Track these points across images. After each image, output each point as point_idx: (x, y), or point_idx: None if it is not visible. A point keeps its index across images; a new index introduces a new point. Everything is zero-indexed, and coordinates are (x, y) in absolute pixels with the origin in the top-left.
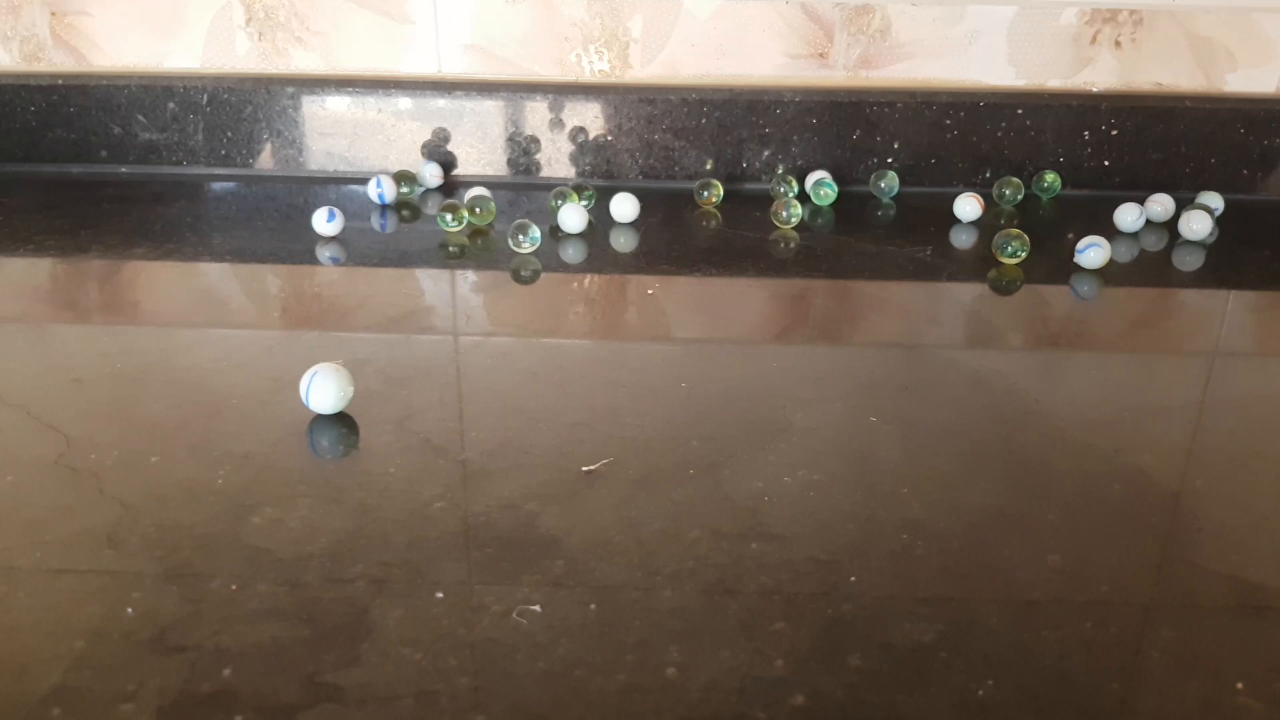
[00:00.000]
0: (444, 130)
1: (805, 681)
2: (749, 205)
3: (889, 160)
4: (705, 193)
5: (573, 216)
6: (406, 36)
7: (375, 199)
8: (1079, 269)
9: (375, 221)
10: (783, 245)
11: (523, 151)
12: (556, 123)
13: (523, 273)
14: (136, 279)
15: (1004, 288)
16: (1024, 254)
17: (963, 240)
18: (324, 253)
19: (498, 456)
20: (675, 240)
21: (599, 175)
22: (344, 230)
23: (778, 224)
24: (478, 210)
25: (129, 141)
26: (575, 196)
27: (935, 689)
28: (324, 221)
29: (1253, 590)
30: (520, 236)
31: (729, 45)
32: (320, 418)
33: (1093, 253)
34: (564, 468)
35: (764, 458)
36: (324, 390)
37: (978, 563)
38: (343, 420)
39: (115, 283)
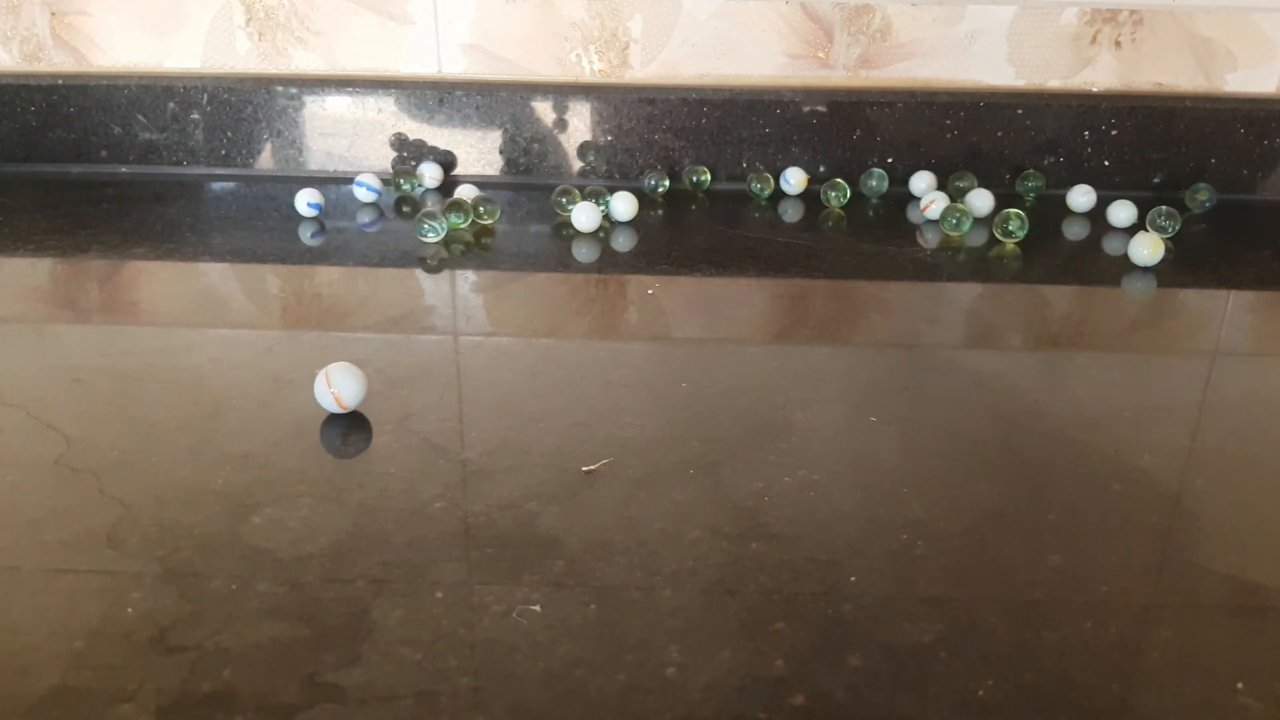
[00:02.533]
0: (444, 130)
1: (805, 681)
2: (749, 205)
3: (889, 160)
4: (656, 185)
5: (585, 215)
6: (406, 37)
7: (363, 199)
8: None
9: (361, 220)
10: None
11: (523, 151)
12: (556, 123)
13: (430, 262)
14: (136, 279)
15: (1004, 280)
16: (1023, 233)
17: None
18: (324, 253)
19: (498, 456)
20: (675, 240)
21: (599, 175)
22: (346, 230)
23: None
24: (481, 210)
25: (129, 141)
26: (592, 199)
27: (935, 689)
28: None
29: (1253, 590)
30: (424, 225)
31: (729, 45)
32: (319, 417)
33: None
34: (564, 468)
35: (764, 458)
36: (346, 387)
37: (978, 563)
38: (343, 420)
39: (115, 283)
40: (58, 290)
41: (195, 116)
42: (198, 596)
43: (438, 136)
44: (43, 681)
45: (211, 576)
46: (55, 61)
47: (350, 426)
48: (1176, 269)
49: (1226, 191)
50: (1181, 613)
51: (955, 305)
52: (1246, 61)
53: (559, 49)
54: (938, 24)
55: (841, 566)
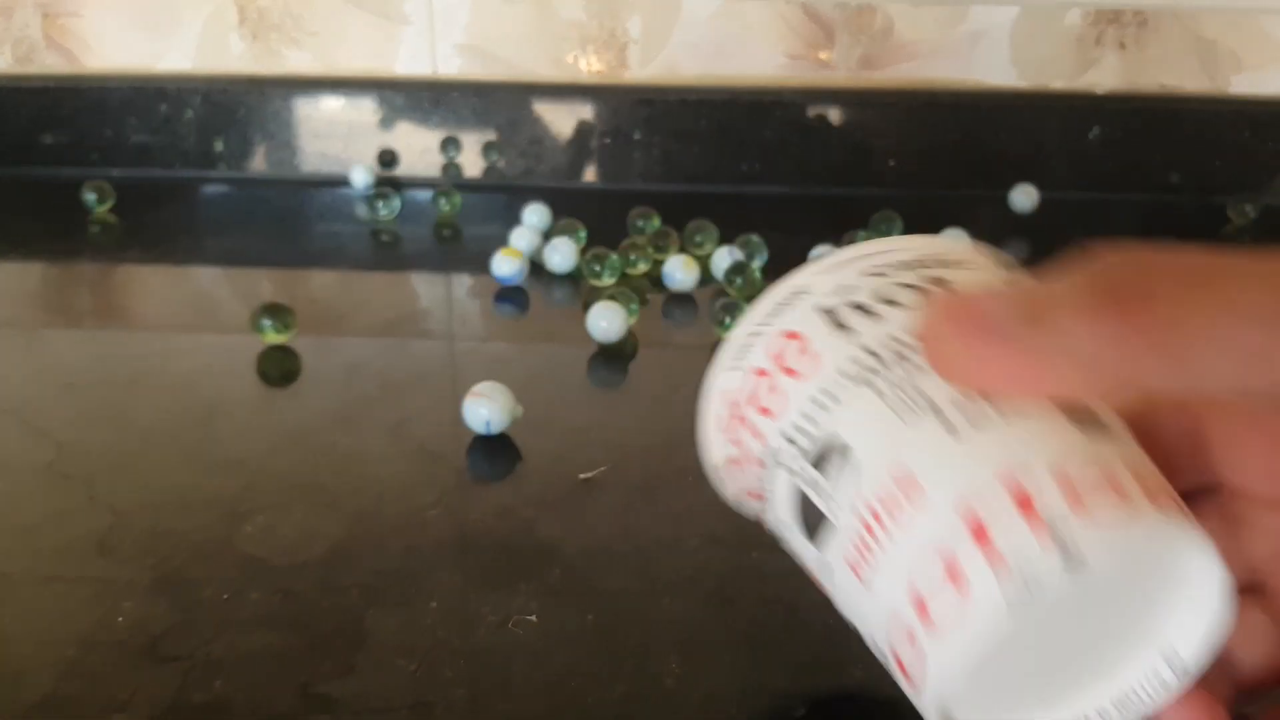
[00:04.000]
0: (439, 132)
1: (806, 691)
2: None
3: (890, 163)
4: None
5: (609, 321)
6: (401, 37)
7: (361, 187)
8: None
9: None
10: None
11: (520, 153)
12: (554, 124)
13: (383, 237)
14: (128, 283)
15: None
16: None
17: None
18: (318, 257)
19: (494, 463)
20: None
21: (598, 177)
22: (341, 233)
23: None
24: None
25: (121, 144)
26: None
27: None
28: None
29: None
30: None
31: (729, 45)
32: (313, 423)
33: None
34: (561, 475)
35: None
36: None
37: None
38: (337, 426)
39: (107, 287)
40: (49, 294)
41: (189, 117)
42: (190, 605)
43: (433, 138)
44: (34, 690)
45: (204, 584)
46: (47, 63)
47: (344, 433)
48: None
49: (1228, 192)
50: None
51: None
52: (1251, 63)
53: (556, 49)
54: (940, 25)
55: None
